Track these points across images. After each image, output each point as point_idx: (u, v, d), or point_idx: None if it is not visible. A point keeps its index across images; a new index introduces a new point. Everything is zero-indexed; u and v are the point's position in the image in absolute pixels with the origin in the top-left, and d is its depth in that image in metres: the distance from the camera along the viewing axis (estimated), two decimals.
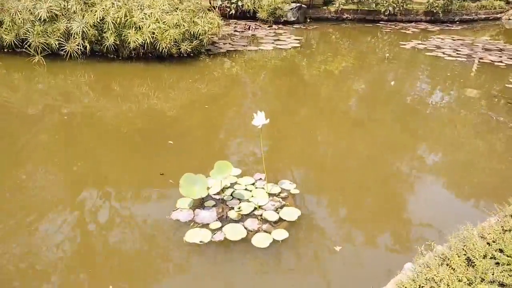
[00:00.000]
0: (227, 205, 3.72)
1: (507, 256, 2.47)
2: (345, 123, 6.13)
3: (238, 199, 3.82)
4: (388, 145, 5.42)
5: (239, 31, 11.73)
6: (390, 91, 7.87)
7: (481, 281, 2.32)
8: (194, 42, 8.19)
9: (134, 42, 7.63)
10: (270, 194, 3.92)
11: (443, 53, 10.52)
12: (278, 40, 10.96)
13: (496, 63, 9.76)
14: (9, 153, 4.65)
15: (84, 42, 7.63)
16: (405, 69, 9.38)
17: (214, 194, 3.85)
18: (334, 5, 14.42)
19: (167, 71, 7.81)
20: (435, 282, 2.34)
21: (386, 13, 14.58)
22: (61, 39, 7.64)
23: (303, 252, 3.31)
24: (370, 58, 10.09)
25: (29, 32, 7.59)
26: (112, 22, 7.59)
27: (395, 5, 14.44)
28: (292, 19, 13.06)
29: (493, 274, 2.36)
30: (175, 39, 7.82)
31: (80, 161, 4.50)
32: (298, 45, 10.58)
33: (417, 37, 12.52)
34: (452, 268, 2.44)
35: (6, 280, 2.88)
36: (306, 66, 9.19)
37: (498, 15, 17.34)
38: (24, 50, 7.76)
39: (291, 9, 12.96)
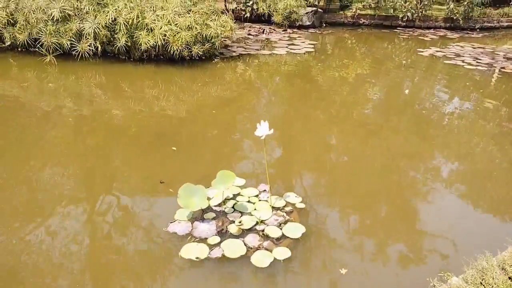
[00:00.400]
0: (227, 218, 3.56)
1: None
2: (358, 132, 5.90)
3: (240, 211, 3.66)
4: (402, 157, 5.18)
5: (253, 35, 11.60)
6: (405, 99, 7.61)
7: None
8: (206, 45, 8.08)
9: (146, 44, 7.56)
10: (274, 208, 3.74)
11: (463, 61, 10.18)
12: (292, 44, 10.78)
13: None
14: (9, 153, 4.60)
15: (95, 42, 7.60)
16: (422, 77, 9.08)
17: (215, 206, 3.69)
18: (350, 10, 14.19)
19: (178, 74, 7.71)
20: None
21: (404, 19, 14.25)
22: (73, 39, 7.62)
23: (306, 274, 3.12)
24: (386, 64, 9.82)
25: (42, 32, 7.60)
26: (124, 23, 7.53)
27: (414, 11, 14.09)
28: (308, 23, 12.86)
29: None
30: (187, 41, 7.71)
31: (80, 161, 4.41)
32: (313, 50, 10.38)
33: (436, 44, 12.17)
34: None
35: None
36: (320, 72, 8.98)
37: None
38: (36, 49, 7.78)
39: (306, 13, 12.77)
